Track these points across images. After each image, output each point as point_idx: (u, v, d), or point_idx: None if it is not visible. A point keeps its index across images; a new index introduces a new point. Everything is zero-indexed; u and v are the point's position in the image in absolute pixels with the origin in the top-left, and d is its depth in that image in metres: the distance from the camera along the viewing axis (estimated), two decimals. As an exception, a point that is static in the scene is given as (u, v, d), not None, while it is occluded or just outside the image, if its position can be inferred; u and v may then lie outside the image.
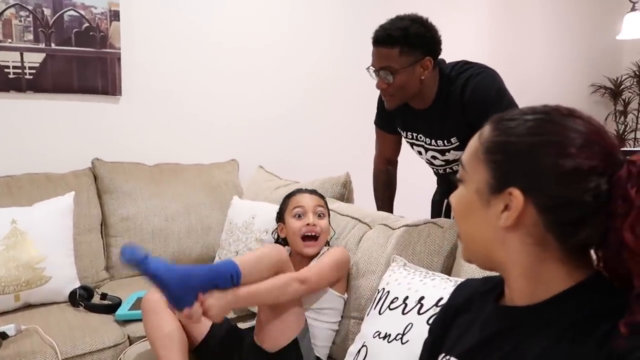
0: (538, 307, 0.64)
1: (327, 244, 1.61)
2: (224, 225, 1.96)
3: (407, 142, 1.76)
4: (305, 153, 2.75)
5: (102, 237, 2.09)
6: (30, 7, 2.10)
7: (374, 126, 1.86)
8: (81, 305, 1.74)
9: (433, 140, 1.64)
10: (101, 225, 2.10)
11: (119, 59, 2.29)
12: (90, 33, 2.22)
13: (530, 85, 3.45)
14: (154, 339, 1.37)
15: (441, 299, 1.05)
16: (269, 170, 2.33)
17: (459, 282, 1.06)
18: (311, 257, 1.54)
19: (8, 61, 2.09)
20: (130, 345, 1.59)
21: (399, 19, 1.48)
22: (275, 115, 2.68)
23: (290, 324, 1.32)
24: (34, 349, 1.47)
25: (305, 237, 1.52)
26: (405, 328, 1.06)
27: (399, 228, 1.47)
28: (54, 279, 1.76)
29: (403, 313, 1.08)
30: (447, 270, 1.28)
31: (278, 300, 1.32)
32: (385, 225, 1.52)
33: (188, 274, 1.16)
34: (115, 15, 2.26)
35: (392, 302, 1.13)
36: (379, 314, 1.15)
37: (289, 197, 1.62)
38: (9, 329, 1.51)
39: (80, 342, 1.53)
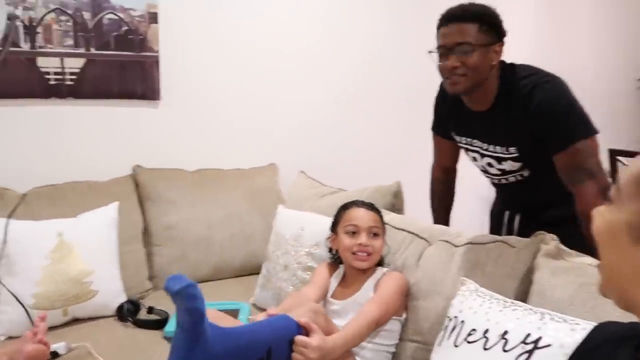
0: None
1: (382, 261, 1.54)
2: (270, 235, 1.90)
3: (461, 147, 1.67)
4: (349, 159, 2.67)
5: (144, 247, 2.05)
6: (70, 12, 2.06)
7: (426, 131, 1.79)
8: (129, 321, 1.71)
9: (491, 146, 1.55)
10: (142, 233, 2.07)
11: (157, 62, 2.24)
12: (129, 36, 2.18)
13: (574, 80, 3.31)
14: None
15: (529, 335, 0.96)
16: (311, 176, 2.27)
17: (553, 317, 0.98)
18: (363, 271, 1.49)
19: (49, 67, 2.06)
20: (181, 364, 1.54)
21: (470, 4, 1.46)
22: (316, 118, 2.61)
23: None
24: (85, 368, 1.44)
25: (356, 253, 1.48)
26: (489, 365, 0.98)
27: (462, 245, 1.38)
28: (101, 293, 1.73)
29: (485, 348, 1.00)
30: (521, 296, 1.19)
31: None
32: (446, 241, 1.44)
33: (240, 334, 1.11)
34: (153, 18, 2.21)
35: (469, 335, 1.05)
36: (455, 346, 1.08)
37: (344, 209, 1.57)
38: (60, 347, 1.48)
39: (131, 361, 1.50)
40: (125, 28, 2.17)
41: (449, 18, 1.44)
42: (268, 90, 2.49)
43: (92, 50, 2.12)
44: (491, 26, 1.43)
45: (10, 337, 1.60)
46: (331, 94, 2.64)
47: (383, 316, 1.34)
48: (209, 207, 2.14)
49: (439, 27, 1.47)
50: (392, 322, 1.40)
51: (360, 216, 1.51)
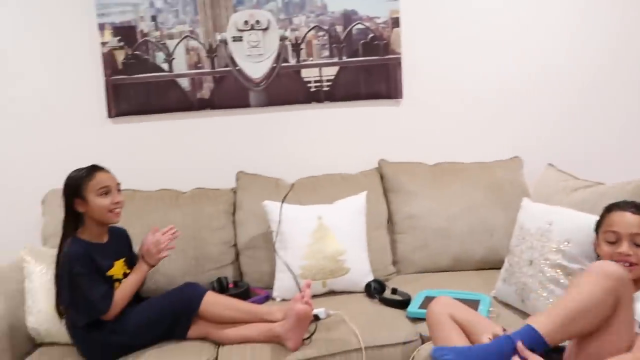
0: None
1: None
2: (513, 229, 1.84)
3: None
4: (606, 149, 2.38)
5: (388, 234, 2.21)
6: (326, 27, 2.37)
7: None
8: (376, 298, 1.88)
9: None
10: (387, 222, 2.23)
11: (400, 63, 2.39)
12: (375, 42, 2.38)
13: None
14: None
15: None
16: (561, 169, 2.09)
17: None
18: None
19: (310, 77, 2.40)
20: (422, 344, 1.63)
21: None
22: (566, 106, 2.40)
23: None
24: (340, 334, 1.65)
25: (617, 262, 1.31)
26: None
27: None
28: (352, 271, 1.96)
29: None
30: None
31: None
32: None
33: None
34: (395, 23, 2.37)
35: None
36: None
37: (606, 211, 1.43)
38: (321, 312, 1.73)
39: (378, 334, 1.65)
40: (371, 35, 2.38)
41: None
42: (509, 83, 2.40)
43: (344, 59, 2.39)
44: None
45: (283, 299, 1.94)
46: (581, 78, 2.38)
47: None
48: (448, 199, 2.18)
49: None
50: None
51: (622, 221, 1.35)
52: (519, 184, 2.23)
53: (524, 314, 1.68)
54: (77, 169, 1.73)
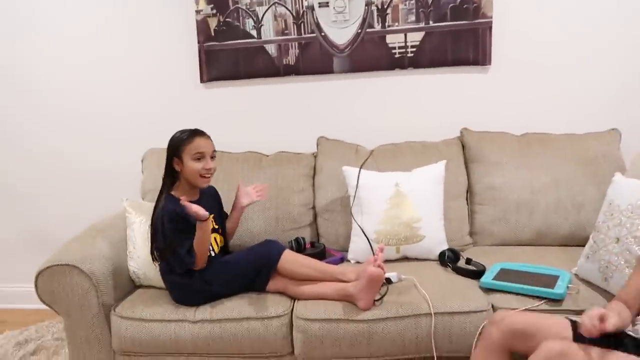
0: None
1: None
2: (602, 204, 1.73)
3: None
4: None
5: (467, 204, 2.18)
6: (413, -10, 2.31)
7: None
8: (449, 267, 1.88)
9: None
10: (467, 192, 2.19)
11: (490, 28, 2.28)
12: (464, 6, 2.29)
13: None
14: None
15: None
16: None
17: None
18: None
19: (395, 43, 2.37)
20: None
21: None
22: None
23: None
24: (410, 298, 1.68)
25: None
26: None
27: None
28: (427, 239, 1.96)
29: None
30: None
31: None
32: None
33: None
34: (489, -16, 2.25)
35: None
36: None
37: None
38: (393, 276, 1.77)
39: (449, 301, 1.65)
40: (460, -2, 2.29)
41: None
42: (608, 49, 2.21)
43: (431, 24, 2.32)
44: None
45: (357, 262, 2.00)
46: None
47: None
48: (533, 171, 2.09)
49: None
50: None
51: None
52: (614, 158, 2.08)
53: (606, 293, 1.60)
54: (182, 130, 1.84)
